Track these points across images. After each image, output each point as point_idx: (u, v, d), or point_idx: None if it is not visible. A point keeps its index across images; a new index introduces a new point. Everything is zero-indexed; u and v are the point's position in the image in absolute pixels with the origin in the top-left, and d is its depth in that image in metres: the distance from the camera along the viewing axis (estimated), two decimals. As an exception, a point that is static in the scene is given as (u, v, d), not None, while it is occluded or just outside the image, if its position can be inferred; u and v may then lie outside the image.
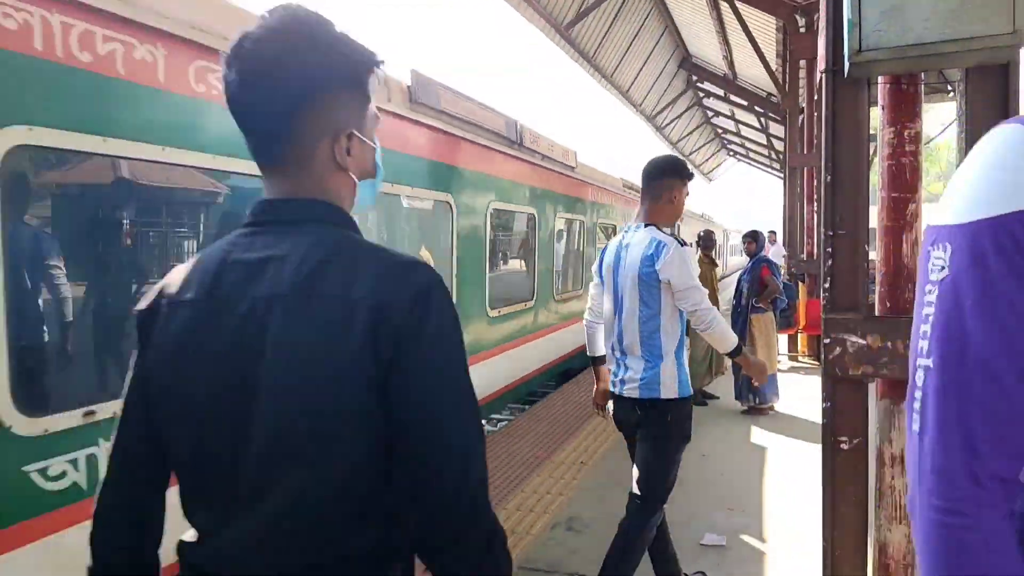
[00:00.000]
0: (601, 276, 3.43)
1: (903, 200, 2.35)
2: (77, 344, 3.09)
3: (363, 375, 0.93)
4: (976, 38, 1.90)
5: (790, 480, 5.26)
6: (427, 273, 1.01)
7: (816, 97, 10.72)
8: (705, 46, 17.96)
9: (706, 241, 7.71)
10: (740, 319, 7.27)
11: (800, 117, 11.38)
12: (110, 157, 2.96)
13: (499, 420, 8.84)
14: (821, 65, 7.37)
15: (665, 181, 3.27)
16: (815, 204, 11.16)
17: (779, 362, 8.30)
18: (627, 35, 15.89)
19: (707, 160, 36.79)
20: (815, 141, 10.85)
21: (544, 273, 8.34)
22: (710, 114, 27.37)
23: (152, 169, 3.22)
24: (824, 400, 2.42)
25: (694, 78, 21.46)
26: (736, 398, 7.59)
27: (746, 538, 4.23)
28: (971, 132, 2.20)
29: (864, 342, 2.30)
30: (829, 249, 2.38)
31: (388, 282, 0.97)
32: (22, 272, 2.69)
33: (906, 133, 2.33)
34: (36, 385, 2.78)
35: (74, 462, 2.75)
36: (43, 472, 2.63)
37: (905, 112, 2.33)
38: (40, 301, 2.85)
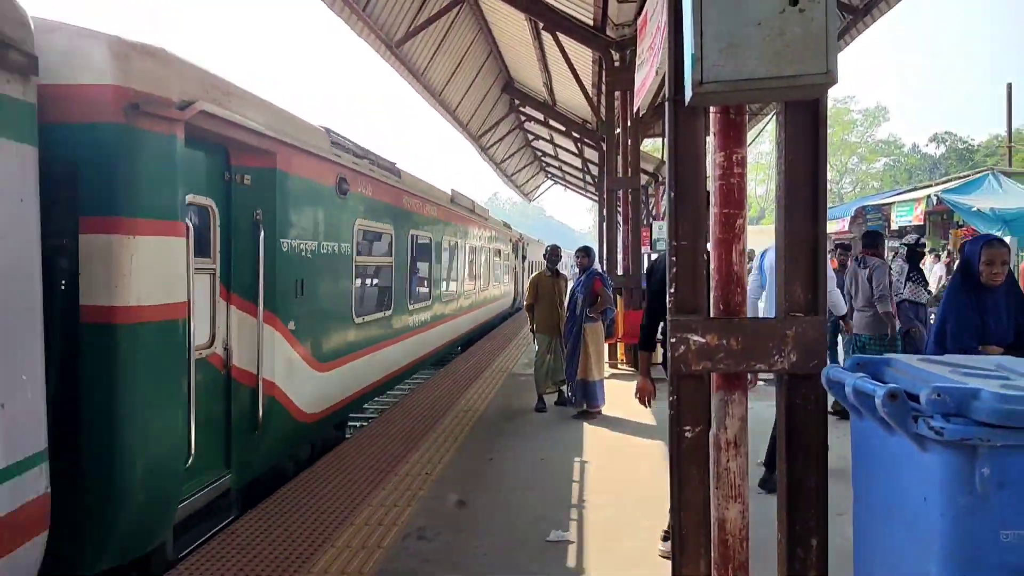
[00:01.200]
0: (763, 273, 5.88)
1: (733, 216, 2.68)
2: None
3: None
4: (798, 76, 2.24)
5: (622, 474, 5.65)
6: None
7: (630, 125, 11.62)
8: (527, 73, 18.78)
9: (552, 256, 8.19)
10: (574, 328, 7.69)
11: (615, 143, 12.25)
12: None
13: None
14: (639, 99, 7.95)
15: None
16: (629, 223, 12.08)
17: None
18: (455, 56, 16.23)
19: (527, 181, 38.29)
20: (629, 166, 11.75)
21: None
22: (531, 137, 28.58)
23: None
24: (670, 394, 2.69)
25: (516, 102, 22.33)
26: (567, 403, 8.02)
27: (588, 531, 4.49)
28: (788, 155, 2.56)
29: (704, 340, 2.58)
30: (674, 258, 2.65)
31: None
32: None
33: (734, 157, 2.67)
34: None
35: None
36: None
37: (734, 139, 2.67)
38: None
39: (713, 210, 2.72)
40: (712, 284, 2.74)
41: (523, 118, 24.70)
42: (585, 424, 7.42)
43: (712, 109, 2.69)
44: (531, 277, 8.50)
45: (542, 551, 4.23)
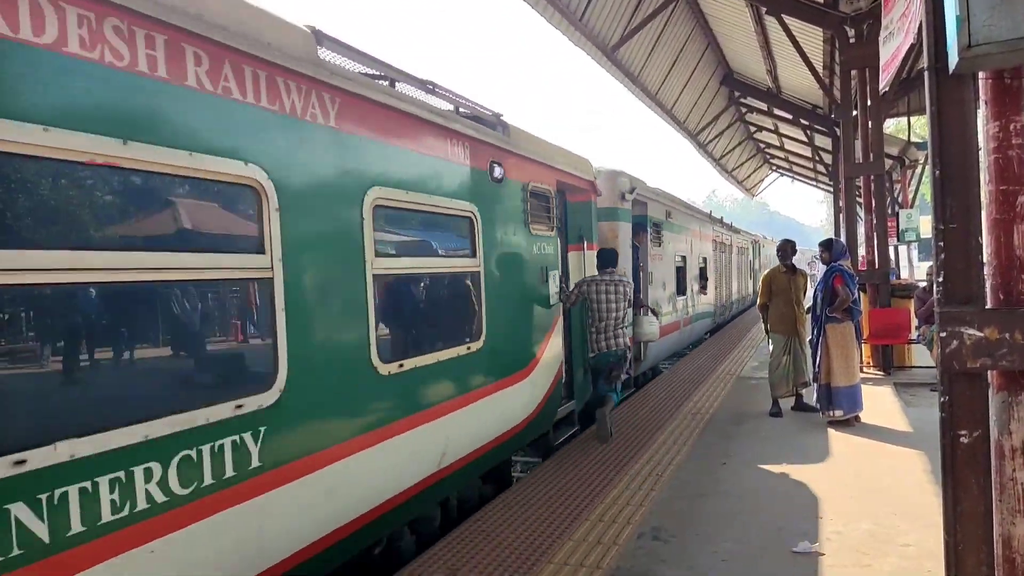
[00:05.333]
0: None
1: (1012, 193, 2.36)
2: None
3: None
4: (1094, 27, 1.93)
5: (875, 486, 5.18)
6: None
7: (870, 104, 10.64)
8: (748, 62, 17.94)
9: (784, 252, 7.64)
10: (816, 329, 7.18)
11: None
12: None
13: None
14: (886, 73, 7.21)
15: None
16: (873, 213, 11.02)
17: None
18: (670, 54, 15.98)
19: (749, 175, 36.48)
20: (871, 150, 10.74)
21: None
22: (752, 129, 27.21)
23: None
24: (942, 395, 2.43)
25: (736, 94, 21.42)
26: (806, 409, 7.54)
27: (840, 545, 4.17)
28: (1084, 122, 2.21)
29: (982, 334, 2.30)
30: (941, 243, 2.40)
31: None
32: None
33: (1012, 127, 2.35)
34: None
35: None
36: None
37: (1011, 106, 2.35)
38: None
39: (987, 187, 2.41)
40: (989, 271, 2.42)
41: (744, 110, 23.63)
42: (830, 431, 6.88)
43: (982, 75, 2.40)
44: (764, 274, 7.98)
45: (787, 562, 4.00)
